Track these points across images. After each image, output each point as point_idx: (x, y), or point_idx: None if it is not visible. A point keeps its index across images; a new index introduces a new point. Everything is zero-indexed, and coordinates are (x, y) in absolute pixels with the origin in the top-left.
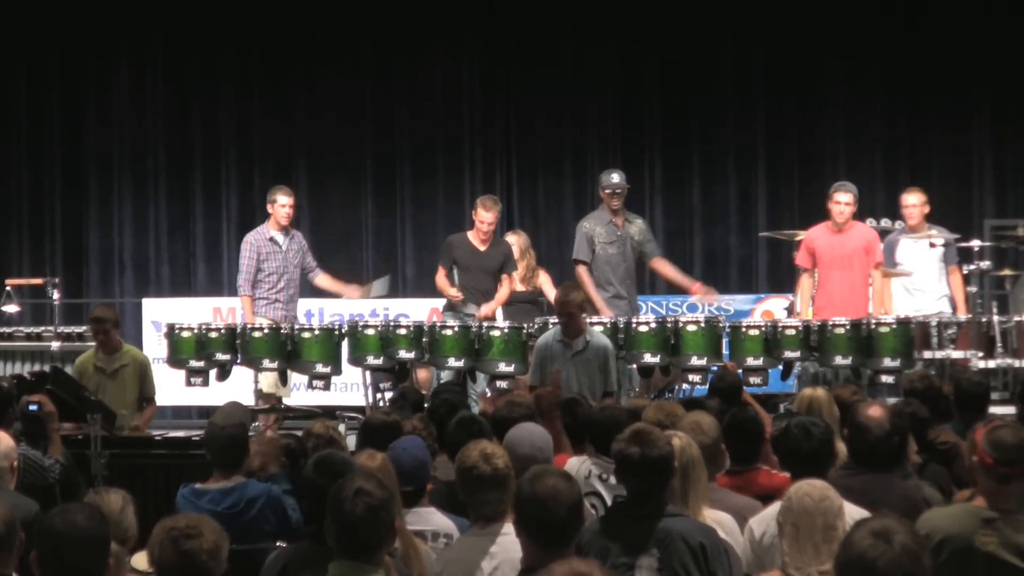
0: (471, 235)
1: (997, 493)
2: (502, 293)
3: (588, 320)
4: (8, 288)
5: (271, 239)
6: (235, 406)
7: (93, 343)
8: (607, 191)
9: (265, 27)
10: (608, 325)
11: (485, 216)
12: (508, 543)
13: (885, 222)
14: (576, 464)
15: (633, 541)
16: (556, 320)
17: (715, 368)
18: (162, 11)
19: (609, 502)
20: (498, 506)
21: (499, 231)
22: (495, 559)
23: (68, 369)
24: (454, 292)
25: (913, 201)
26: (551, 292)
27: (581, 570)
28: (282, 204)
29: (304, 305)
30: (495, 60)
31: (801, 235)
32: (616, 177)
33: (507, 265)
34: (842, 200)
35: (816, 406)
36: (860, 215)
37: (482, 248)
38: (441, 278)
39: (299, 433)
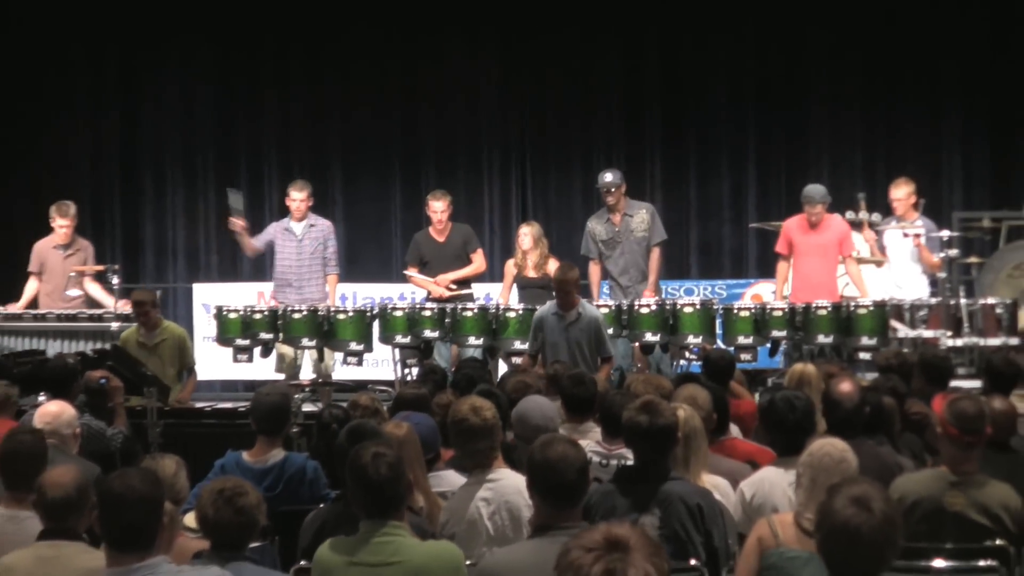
0: (430, 230)
1: (961, 459)
2: (476, 266)
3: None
4: (72, 274)
5: (287, 229)
6: (280, 384)
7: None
8: (601, 190)
9: (302, 36)
10: (613, 308)
11: (436, 206)
12: (502, 488)
13: (863, 215)
14: None
15: (637, 502)
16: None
17: (696, 350)
18: (209, 22)
19: None
20: (489, 453)
21: (504, 222)
22: (492, 504)
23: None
24: (435, 287)
25: (900, 195)
26: None
27: (619, 533)
28: (292, 199)
29: (339, 289)
30: (510, 67)
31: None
32: (608, 176)
33: (469, 245)
34: (813, 211)
35: (807, 380)
36: (839, 208)
37: (441, 239)
38: (412, 274)
39: (344, 404)
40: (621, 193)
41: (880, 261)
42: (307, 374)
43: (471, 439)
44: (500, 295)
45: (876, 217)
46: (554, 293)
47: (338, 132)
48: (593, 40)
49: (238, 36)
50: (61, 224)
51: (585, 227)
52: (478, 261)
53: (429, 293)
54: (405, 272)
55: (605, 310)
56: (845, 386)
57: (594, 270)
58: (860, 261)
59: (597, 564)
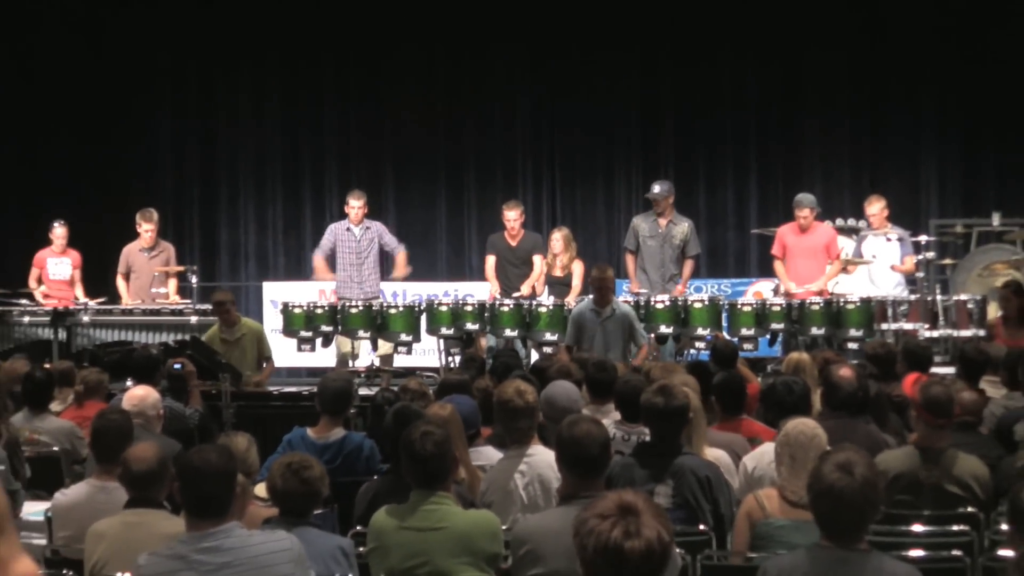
0: (505, 234)
1: (934, 437)
2: (536, 272)
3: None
4: (157, 273)
5: (347, 229)
6: (344, 371)
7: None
8: (649, 196)
9: (358, 59)
10: (632, 302)
11: (509, 216)
12: (536, 462)
13: (851, 221)
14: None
15: (653, 473)
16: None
17: (709, 337)
18: (277, 47)
19: None
20: (528, 432)
21: (536, 227)
22: (526, 476)
23: (204, 338)
24: (496, 288)
25: (874, 211)
26: (577, 279)
27: (628, 499)
28: (351, 206)
29: (391, 287)
30: (542, 89)
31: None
32: (656, 187)
33: (535, 249)
34: (802, 215)
35: (801, 366)
36: (830, 215)
37: (513, 243)
38: (490, 268)
39: (396, 388)
40: (668, 203)
41: (867, 262)
42: (364, 362)
43: (514, 418)
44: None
45: (862, 224)
46: (592, 289)
47: (390, 146)
48: (614, 64)
49: (302, 60)
50: (146, 229)
51: (631, 223)
52: (537, 266)
53: (490, 294)
54: (487, 270)
55: (626, 306)
56: (845, 372)
57: (630, 260)
58: (850, 263)
59: (616, 529)
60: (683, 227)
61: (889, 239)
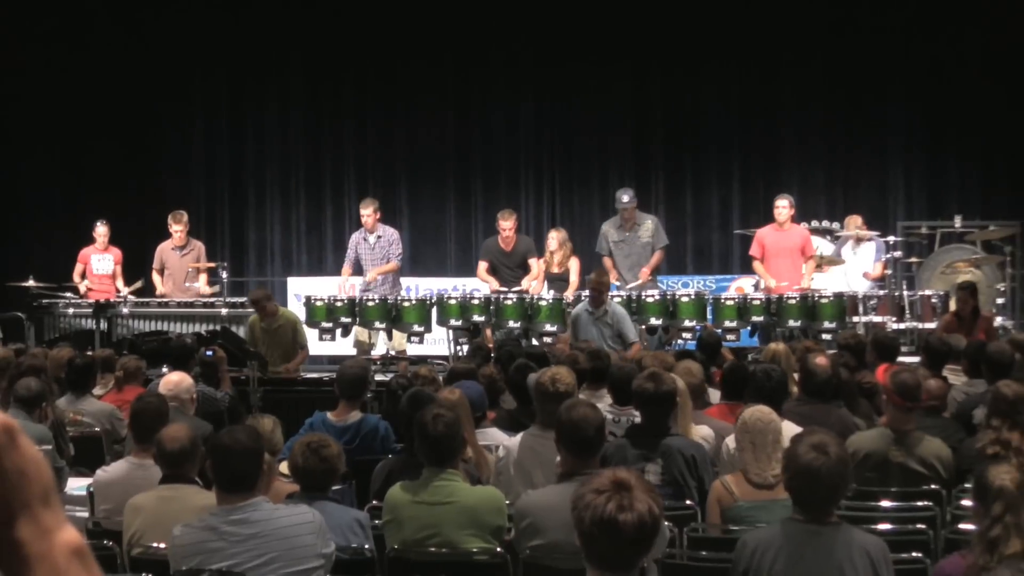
0: (499, 240)
1: (903, 420)
2: (533, 272)
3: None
4: (190, 270)
5: (364, 238)
6: (360, 359)
7: (252, 310)
8: (618, 207)
9: (375, 73)
10: (624, 297)
11: (504, 224)
12: (551, 444)
13: (825, 223)
14: None
15: (644, 453)
16: (586, 294)
17: (699, 329)
18: (300, 62)
19: None
20: (554, 417)
21: (537, 228)
22: (539, 455)
23: (234, 328)
24: (494, 284)
25: (852, 229)
26: (574, 275)
27: (622, 476)
28: (362, 214)
29: (404, 281)
30: (544, 101)
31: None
32: (625, 197)
33: (529, 253)
34: (781, 205)
35: (778, 356)
36: (805, 217)
37: (507, 249)
38: (482, 271)
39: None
40: (634, 208)
41: (840, 262)
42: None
43: (546, 401)
44: (534, 287)
45: (836, 225)
46: (588, 292)
47: (403, 153)
48: (609, 79)
49: (324, 74)
50: (176, 229)
51: (601, 229)
52: (535, 267)
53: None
54: (480, 273)
55: (618, 299)
56: (821, 360)
57: (608, 263)
58: (825, 262)
59: (610, 503)
60: (647, 224)
61: (860, 239)
